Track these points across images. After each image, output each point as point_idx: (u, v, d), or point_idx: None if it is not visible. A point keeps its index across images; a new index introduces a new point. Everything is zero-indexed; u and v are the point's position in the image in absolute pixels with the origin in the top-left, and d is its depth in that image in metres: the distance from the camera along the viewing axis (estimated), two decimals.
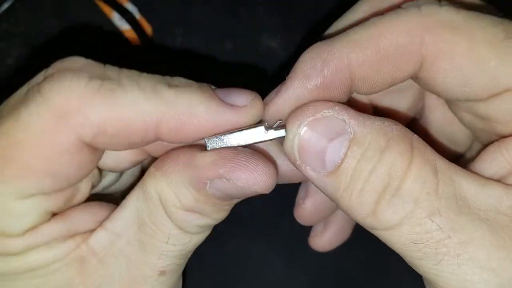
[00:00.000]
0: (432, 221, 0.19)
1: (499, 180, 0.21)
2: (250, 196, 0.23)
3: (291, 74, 0.22)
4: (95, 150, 0.21)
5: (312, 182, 0.21)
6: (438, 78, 0.21)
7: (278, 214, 0.37)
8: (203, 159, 0.21)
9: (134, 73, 0.21)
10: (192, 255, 0.36)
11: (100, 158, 0.23)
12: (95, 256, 0.22)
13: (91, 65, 0.21)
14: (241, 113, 0.21)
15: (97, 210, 0.24)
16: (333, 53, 0.21)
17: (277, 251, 0.38)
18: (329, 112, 0.20)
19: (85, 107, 0.19)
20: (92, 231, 0.23)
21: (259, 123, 0.22)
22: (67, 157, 0.20)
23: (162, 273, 0.23)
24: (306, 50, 0.22)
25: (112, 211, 0.23)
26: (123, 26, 0.39)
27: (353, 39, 0.21)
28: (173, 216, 0.22)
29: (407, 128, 0.21)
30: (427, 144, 0.21)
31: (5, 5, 0.40)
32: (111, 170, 0.25)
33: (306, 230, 0.35)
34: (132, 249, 0.22)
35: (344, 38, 0.21)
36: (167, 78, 0.21)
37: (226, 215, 0.24)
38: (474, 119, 0.23)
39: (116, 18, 0.39)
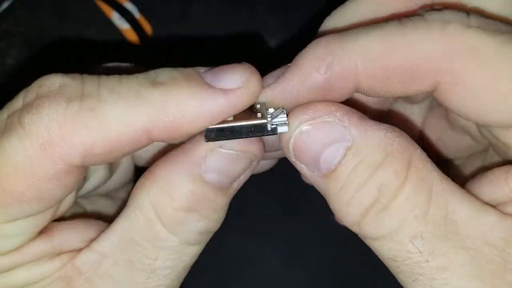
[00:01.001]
0: (413, 244, 0.19)
1: (496, 206, 0.20)
2: (244, 172, 0.22)
3: (293, 66, 0.20)
4: (84, 169, 0.21)
5: (305, 177, 0.21)
6: (453, 102, 0.20)
7: (277, 212, 0.37)
8: (191, 145, 0.21)
9: (113, 81, 0.19)
10: None
11: (85, 179, 0.22)
12: (81, 276, 0.22)
13: (69, 84, 0.19)
14: (233, 99, 0.20)
15: (84, 229, 0.23)
16: (340, 58, 0.20)
17: (276, 249, 0.38)
18: (329, 117, 0.20)
19: (68, 134, 0.18)
20: (79, 250, 0.22)
21: (261, 118, 0.21)
22: (56, 182, 0.19)
23: None
24: (313, 43, 0.20)
25: (100, 229, 0.23)
26: (123, 25, 0.39)
27: (364, 46, 0.19)
28: (168, 220, 0.21)
29: (410, 141, 0.20)
30: (428, 161, 0.20)
31: (5, 5, 0.40)
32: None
33: (305, 228, 0.35)
34: (119, 269, 0.22)
35: (354, 42, 0.20)
36: (151, 74, 0.20)
37: (223, 216, 0.23)
38: (488, 136, 0.22)
39: (116, 18, 0.39)
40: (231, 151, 0.21)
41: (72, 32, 0.39)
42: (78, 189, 0.24)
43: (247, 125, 0.20)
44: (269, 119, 0.20)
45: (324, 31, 0.24)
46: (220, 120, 0.20)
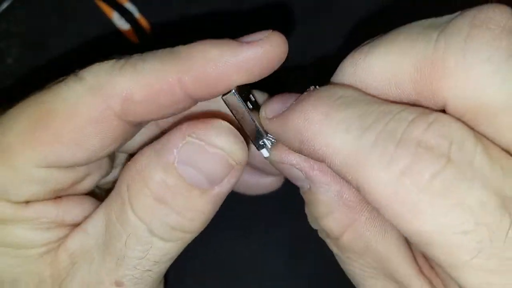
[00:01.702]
0: None
1: None
2: (227, 177, 0.21)
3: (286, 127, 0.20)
4: (127, 125, 0.21)
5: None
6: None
7: (278, 213, 0.37)
8: (170, 134, 0.21)
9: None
10: (191, 254, 0.36)
11: (123, 139, 0.22)
12: (66, 252, 0.22)
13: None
14: (259, 45, 0.20)
15: (89, 206, 0.23)
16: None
17: (276, 249, 0.38)
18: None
19: (112, 80, 0.20)
20: (76, 225, 0.23)
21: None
22: (96, 128, 0.21)
23: (120, 284, 0.21)
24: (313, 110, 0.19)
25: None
26: (123, 25, 0.39)
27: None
28: (138, 206, 0.21)
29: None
30: None
31: (5, 4, 0.40)
32: (123, 151, 0.25)
33: (306, 229, 0.35)
34: (96, 251, 0.22)
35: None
36: None
37: (203, 223, 0.22)
38: None
39: (116, 18, 0.39)
40: (201, 142, 0.21)
41: (72, 32, 0.40)
42: (102, 177, 0.25)
43: (252, 122, 0.22)
44: (267, 135, 0.22)
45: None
46: (244, 74, 0.21)
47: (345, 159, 0.17)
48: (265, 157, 0.22)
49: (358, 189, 0.17)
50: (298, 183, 0.22)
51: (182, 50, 0.21)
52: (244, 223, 0.38)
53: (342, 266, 0.23)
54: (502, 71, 0.15)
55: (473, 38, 0.16)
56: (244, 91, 0.22)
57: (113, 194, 0.22)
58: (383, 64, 0.18)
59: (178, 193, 0.21)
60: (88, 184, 0.24)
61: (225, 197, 0.22)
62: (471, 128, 0.16)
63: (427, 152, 0.15)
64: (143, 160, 0.21)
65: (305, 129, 0.18)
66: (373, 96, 0.18)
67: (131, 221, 0.21)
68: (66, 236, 0.22)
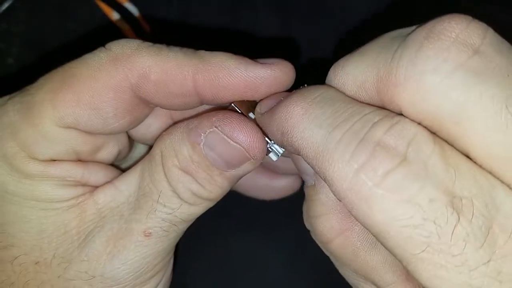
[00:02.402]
0: None
1: None
2: (241, 165, 0.24)
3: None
4: (139, 102, 0.24)
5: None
6: None
7: (279, 214, 0.37)
8: (201, 118, 0.24)
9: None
10: (191, 254, 0.36)
11: (134, 116, 0.25)
12: (95, 206, 0.24)
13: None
14: (270, 67, 0.23)
15: (112, 173, 0.26)
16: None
17: (276, 250, 0.38)
18: None
19: (135, 55, 0.23)
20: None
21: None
22: (112, 95, 0.23)
23: (147, 234, 0.24)
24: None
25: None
26: (123, 25, 0.39)
27: None
28: (169, 173, 0.24)
29: None
30: None
31: (5, 5, 0.40)
32: (141, 140, 0.27)
33: (306, 230, 0.35)
34: (128, 206, 0.24)
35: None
36: None
37: (221, 194, 0.25)
38: None
39: (116, 18, 0.39)
40: (225, 136, 0.23)
41: (73, 32, 0.40)
42: (120, 156, 0.27)
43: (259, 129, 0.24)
44: (271, 142, 0.24)
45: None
46: (251, 89, 0.23)
47: (315, 152, 0.19)
48: (273, 161, 0.24)
49: (325, 181, 0.19)
50: (305, 176, 0.24)
51: (204, 53, 0.23)
52: (245, 223, 0.38)
53: (336, 266, 0.24)
54: (447, 82, 0.16)
55: (423, 49, 0.17)
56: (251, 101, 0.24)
57: (147, 158, 0.25)
58: (354, 73, 0.20)
59: (201, 169, 0.24)
60: (107, 155, 0.26)
61: (241, 177, 0.25)
62: (433, 132, 0.17)
63: (384, 151, 0.17)
64: (176, 134, 0.24)
65: (286, 122, 0.20)
66: (351, 97, 0.20)
67: (163, 182, 0.24)
68: (95, 191, 0.25)
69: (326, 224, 0.22)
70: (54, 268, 0.24)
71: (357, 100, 0.20)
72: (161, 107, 0.25)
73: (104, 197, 0.24)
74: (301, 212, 0.35)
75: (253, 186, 0.34)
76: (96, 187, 0.25)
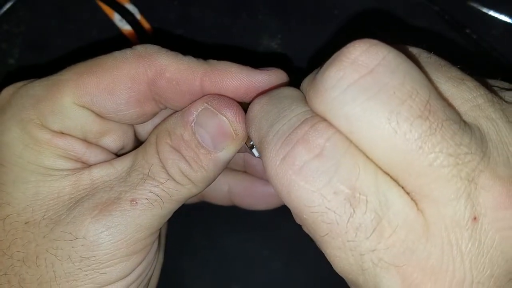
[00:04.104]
0: None
1: None
2: (224, 151, 0.26)
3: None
4: (151, 98, 0.27)
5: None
6: None
7: (277, 214, 0.37)
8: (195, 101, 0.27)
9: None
10: (190, 254, 0.36)
11: (144, 115, 0.28)
12: (90, 177, 0.26)
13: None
14: (267, 73, 0.26)
15: (112, 157, 0.28)
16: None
17: (276, 251, 0.38)
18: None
19: (156, 55, 0.26)
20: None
21: None
22: (129, 84, 0.26)
23: (134, 202, 0.25)
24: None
25: None
26: (124, 26, 0.39)
27: None
28: (161, 149, 0.26)
29: None
30: None
31: (7, 6, 0.40)
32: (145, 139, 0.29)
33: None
34: (119, 180, 0.26)
35: None
36: None
37: (204, 178, 0.26)
38: None
39: (117, 19, 0.40)
40: (213, 109, 0.26)
41: (74, 33, 0.40)
42: (124, 145, 0.29)
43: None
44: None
45: None
46: (253, 91, 0.26)
47: (259, 142, 0.22)
48: (256, 157, 0.26)
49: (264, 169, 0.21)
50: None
51: (212, 61, 0.27)
52: (244, 224, 0.39)
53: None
54: (341, 98, 0.19)
55: (328, 70, 0.20)
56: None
57: (144, 144, 0.27)
58: (303, 86, 0.24)
59: (190, 147, 0.26)
60: (111, 143, 0.28)
61: (224, 166, 0.27)
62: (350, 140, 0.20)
63: (304, 144, 0.19)
64: (171, 119, 0.27)
65: (248, 115, 0.23)
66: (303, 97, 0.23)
67: (155, 158, 0.26)
68: (92, 167, 0.27)
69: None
70: (41, 229, 0.25)
71: (304, 102, 0.22)
72: (168, 105, 0.27)
73: (99, 171, 0.26)
74: None
75: (249, 195, 0.35)
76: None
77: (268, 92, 0.24)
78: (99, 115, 0.27)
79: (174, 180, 0.26)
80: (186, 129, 0.26)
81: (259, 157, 0.25)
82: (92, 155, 0.27)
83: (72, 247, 0.25)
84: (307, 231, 0.21)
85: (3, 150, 0.26)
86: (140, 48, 0.27)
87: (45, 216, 0.25)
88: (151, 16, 0.40)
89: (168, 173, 0.26)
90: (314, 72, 0.22)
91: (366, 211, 0.19)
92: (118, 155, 0.29)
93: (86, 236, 0.25)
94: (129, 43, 0.39)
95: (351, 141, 0.19)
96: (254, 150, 0.26)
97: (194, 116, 0.26)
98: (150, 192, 0.25)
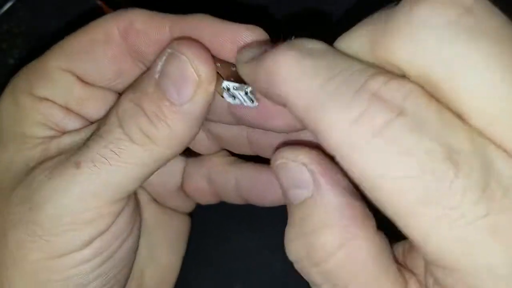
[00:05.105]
0: None
1: None
2: (191, 102, 0.23)
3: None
4: (125, 51, 0.26)
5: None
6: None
7: (277, 214, 0.37)
8: None
9: None
10: (190, 254, 0.36)
11: (123, 74, 0.27)
12: (58, 145, 0.25)
13: None
14: (246, 27, 0.24)
15: (89, 130, 0.26)
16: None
17: (277, 250, 0.38)
18: (295, 163, 0.21)
19: (129, 11, 0.26)
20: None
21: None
22: (103, 38, 0.26)
23: (78, 164, 0.23)
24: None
25: None
26: None
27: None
28: (120, 105, 0.24)
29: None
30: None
31: (6, 6, 0.40)
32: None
33: None
34: (77, 145, 0.25)
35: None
36: None
37: (168, 137, 0.23)
38: None
39: None
40: (174, 52, 0.23)
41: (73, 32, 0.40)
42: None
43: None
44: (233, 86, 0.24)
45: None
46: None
47: (307, 104, 0.18)
48: (231, 104, 0.24)
49: (316, 135, 0.18)
50: (297, 190, 0.21)
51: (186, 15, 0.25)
52: (244, 224, 0.39)
53: None
54: (439, 38, 0.16)
55: (417, 6, 0.17)
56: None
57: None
58: (349, 43, 0.19)
59: (153, 100, 0.23)
60: (92, 110, 0.27)
61: (195, 122, 0.23)
62: (431, 94, 0.17)
63: (380, 103, 0.16)
64: (138, 77, 0.26)
65: (274, 71, 0.19)
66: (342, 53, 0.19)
67: (112, 115, 0.24)
68: (62, 135, 0.26)
69: (328, 237, 0.20)
70: (6, 194, 0.24)
71: (348, 56, 0.19)
72: (145, 62, 0.26)
73: (68, 138, 0.26)
74: None
75: (257, 185, 0.31)
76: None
77: (291, 43, 0.20)
78: (81, 80, 0.27)
79: (130, 138, 0.23)
80: (149, 81, 0.24)
81: (246, 106, 0.23)
82: (70, 122, 0.26)
83: (22, 212, 0.23)
84: (379, 206, 0.17)
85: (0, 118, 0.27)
86: (118, 12, 0.27)
87: (11, 182, 0.25)
88: None
89: (123, 130, 0.23)
90: (378, 14, 0.18)
91: (471, 170, 0.15)
92: None
93: (32, 199, 0.23)
94: None
95: (431, 95, 0.17)
96: (226, 95, 0.23)
97: (159, 66, 0.24)
98: (97, 153, 0.23)
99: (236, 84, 0.23)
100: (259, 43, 0.23)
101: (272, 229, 0.38)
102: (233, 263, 0.38)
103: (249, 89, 0.23)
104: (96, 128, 0.25)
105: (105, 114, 0.27)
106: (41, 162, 0.25)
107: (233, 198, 0.32)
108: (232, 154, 0.32)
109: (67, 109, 0.27)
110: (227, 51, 0.24)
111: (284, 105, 0.19)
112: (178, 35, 0.25)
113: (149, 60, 0.26)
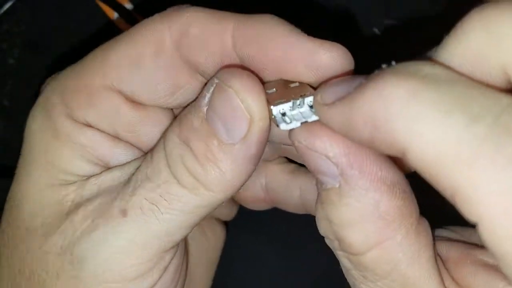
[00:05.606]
0: None
1: None
2: (244, 142, 0.19)
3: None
4: (180, 63, 0.22)
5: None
6: None
7: (277, 214, 0.37)
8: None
9: None
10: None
11: (180, 89, 0.22)
12: (97, 182, 0.22)
13: None
14: (316, 40, 0.19)
15: (138, 161, 0.23)
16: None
17: (275, 249, 0.38)
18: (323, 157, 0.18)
19: (181, 10, 0.21)
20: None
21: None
22: (154, 49, 0.21)
23: (124, 213, 0.20)
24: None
25: None
26: (124, 25, 0.39)
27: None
28: (166, 141, 0.21)
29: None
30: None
31: (6, 5, 0.40)
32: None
33: (305, 230, 0.35)
34: (123, 184, 0.21)
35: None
36: None
37: (218, 181, 0.20)
38: None
39: (117, 18, 0.40)
40: (221, 83, 0.19)
41: (73, 33, 0.40)
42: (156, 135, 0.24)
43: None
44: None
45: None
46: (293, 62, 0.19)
47: (443, 153, 0.13)
48: (282, 130, 0.19)
49: (452, 197, 0.13)
50: (323, 178, 0.18)
51: (252, 16, 0.20)
52: (243, 224, 0.39)
53: (350, 281, 0.20)
54: None
55: None
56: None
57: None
58: (468, 41, 0.15)
59: (201, 138, 0.20)
60: (144, 135, 0.23)
61: (249, 163, 0.20)
62: None
63: None
64: (186, 108, 0.21)
65: (383, 110, 0.14)
66: (466, 76, 0.15)
67: (158, 152, 0.21)
68: (102, 172, 0.22)
69: (360, 234, 0.17)
70: (38, 238, 0.21)
71: (477, 81, 0.14)
72: (204, 74, 0.22)
73: (107, 175, 0.22)
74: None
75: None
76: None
77: (397, 71, 0.14)
78: (130, 99, 0.22)
79: (179, 182, 0.20)
80: (196, 114, 0.20)
81: (311, 121, 0.18)
82: (117, 154, 0.23)
83: (61, 263, 0.21)
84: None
85: (28, 140, 0.23)
86: (170, 8, 0.22)
87: (43, 224, 0.21)
88: (150, 15, 0.40)
89: (171, 172, 0.20)
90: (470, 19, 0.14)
91: None
92: None
93: (73, 252, 0.20)
94: None
95: None
96: (283, 123, 0.18)
97: (207, 98, 0.20)
98: (145, 199, 0.20)
99: (289, 103, 0.18)
100: (346, 79, 0.18)
101: (270, 228, 0.38)
102: (229, 263, 0.38)
103: (310, 99, 0.18)
104: (141, 162, 0.21)
105: (159, 137, 0.23)
106: (78, 205, 0.21)
107: (294, 208, 0.28)
108: (290, 160, 0.29)
109: (115, 137, 0.23)
110: (297, 74, 0.19)
111: (398, 153, 0.14)
112: (242, 44, 0.20)
113: (209, 72, 0.21)
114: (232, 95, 0.19)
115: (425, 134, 0.13)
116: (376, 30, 0.39)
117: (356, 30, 0.39)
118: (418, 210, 0.18)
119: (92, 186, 0.22)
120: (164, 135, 0.21)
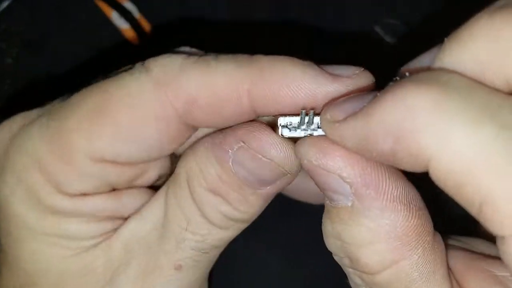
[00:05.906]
0: None
1: None
2: (275, 185, 0.21)
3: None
4: (185, 127, 0.21)
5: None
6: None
7: (277, 214, 0.37)
8: (228, 130, 0.21)
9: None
10: None
11: (181, 141, 0.22)
12: (121, 239, 0.22)
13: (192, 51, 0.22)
14: (344, 82, 0.18)
15: (149, 196, 0.23)
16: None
17: (275, 251, 0.38)
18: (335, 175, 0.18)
19: (180, 77, 0.20)
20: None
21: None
22: (155, 126, 0.20)
23: (178, 267, 0.22)
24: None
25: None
26: (122, 25, 0.39)
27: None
28: (196, 195, 0.21)
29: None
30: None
31: (4, 4, 0.40)
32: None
33: (305, 231, 0.35)
34: (154, 236, 0.22)
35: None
36: None
37: (255, 214, 0.22)
38: None
39: (115, 17, 0.39)
40: (253, 152, 0.20)
41: (72, 32, 0.40)
42: (161, 177, 0.24)
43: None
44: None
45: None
46: (320, 103, 0.19)
47: (474, 162, 0.13)
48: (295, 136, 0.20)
49: (479, 208, 0.13)
50: (334, 196, 0.18)
51: (261, 59, 0.19)
52: None
53: None
54: None
55: None
56: None
57: (172, 180, 0.22)
58: (473, 48, 0.14)
59: (231, 189, 0.21)
60: (146, 180, 0.23)
61: (277, 193, 0.22)
62: None
63: None
64: (202, 152, 0.21)
65: (409, 121, 0.13)
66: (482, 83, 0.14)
67: (191, 207, 0.21)
68: (121, 225, 0.22)
69: (375, 254, 0.17)
70: None
71: (490, 87, 0.14)
72: (212, 128, 0.22)
73: (129, 229, 0.22)
74: (300, 212, 0.35)
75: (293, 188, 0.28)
76: (126, 219, 0.23)
77: (415, 81, 0.14)
78: (127, 164, 0.22)
79: (219, 227, 0.22)
80: (223, 170, 0.21)
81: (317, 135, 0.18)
82: (125, 206, 0.22)
83: None
84: None
85: (12, 222, 0.21)
86: (156, 69, 0.20)
87: None
88: (150, 14, 0.40)
89: (209, 221, 0.21)
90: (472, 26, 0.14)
91: None
92: (155, 187, 0.25)
93: None
94: (128, 42, 0.39)
95: None
96: (284, 130, 0.19)
97: (230, 154, 0.20)
98: (193, 249, 0.22)
99: (297, 118, 0.19)
100: (355, 96, 0.18)
101: (270, 230, 0.38)
102: (229, 265, 0.38)
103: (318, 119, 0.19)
104: (166, 212, 0.22)
105: (161, 176, 0.23)
106: (118, 268, 0.22)
107: (313, 199, 0.30)
108: None
109: (116, 193, 0.22)
110: (320, 107, 0.19)
111: (421, 166, 0.14)
112: (263, 107, 0.20)
113: (215, 127, 0.22)
114: (270, 164, 0.20)
115: (455, 143, 0.13)
116: (377, 29, 0.39)
117: (356, 28, 0.39)
118: (432, 225, 0.18)
119: (118, 246, 0.22)
120: (189, 188, 0.22)
